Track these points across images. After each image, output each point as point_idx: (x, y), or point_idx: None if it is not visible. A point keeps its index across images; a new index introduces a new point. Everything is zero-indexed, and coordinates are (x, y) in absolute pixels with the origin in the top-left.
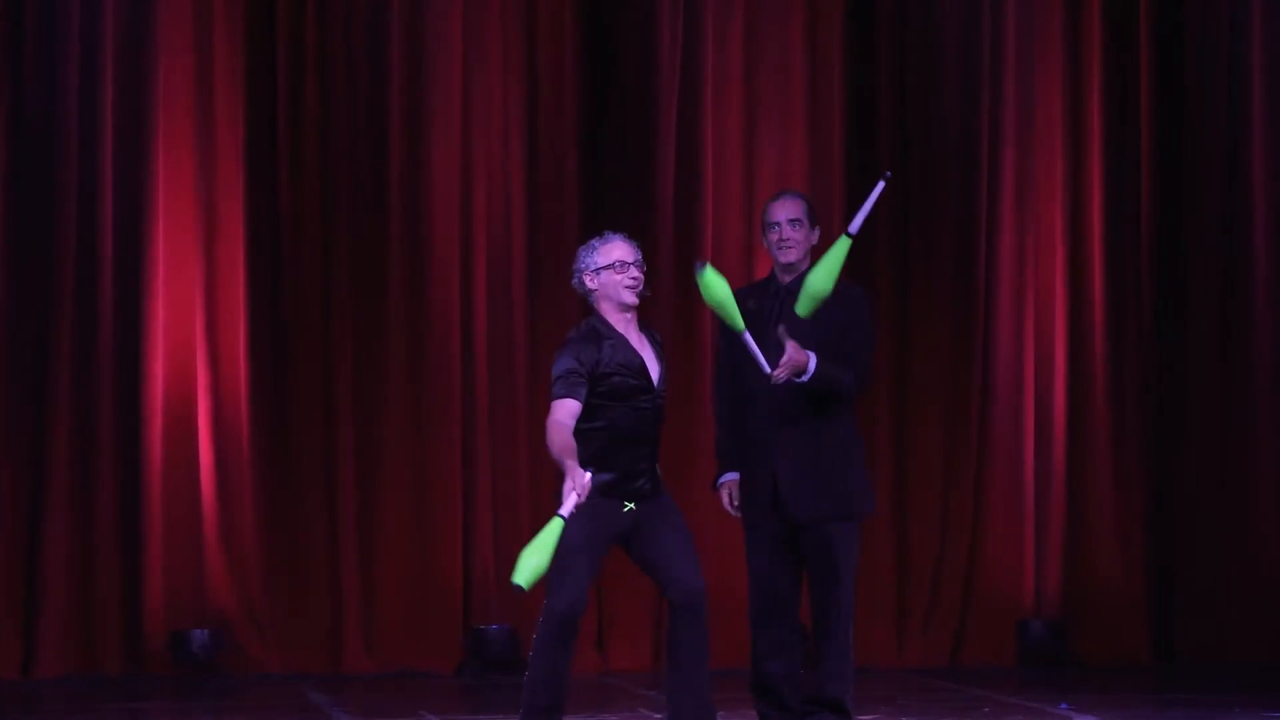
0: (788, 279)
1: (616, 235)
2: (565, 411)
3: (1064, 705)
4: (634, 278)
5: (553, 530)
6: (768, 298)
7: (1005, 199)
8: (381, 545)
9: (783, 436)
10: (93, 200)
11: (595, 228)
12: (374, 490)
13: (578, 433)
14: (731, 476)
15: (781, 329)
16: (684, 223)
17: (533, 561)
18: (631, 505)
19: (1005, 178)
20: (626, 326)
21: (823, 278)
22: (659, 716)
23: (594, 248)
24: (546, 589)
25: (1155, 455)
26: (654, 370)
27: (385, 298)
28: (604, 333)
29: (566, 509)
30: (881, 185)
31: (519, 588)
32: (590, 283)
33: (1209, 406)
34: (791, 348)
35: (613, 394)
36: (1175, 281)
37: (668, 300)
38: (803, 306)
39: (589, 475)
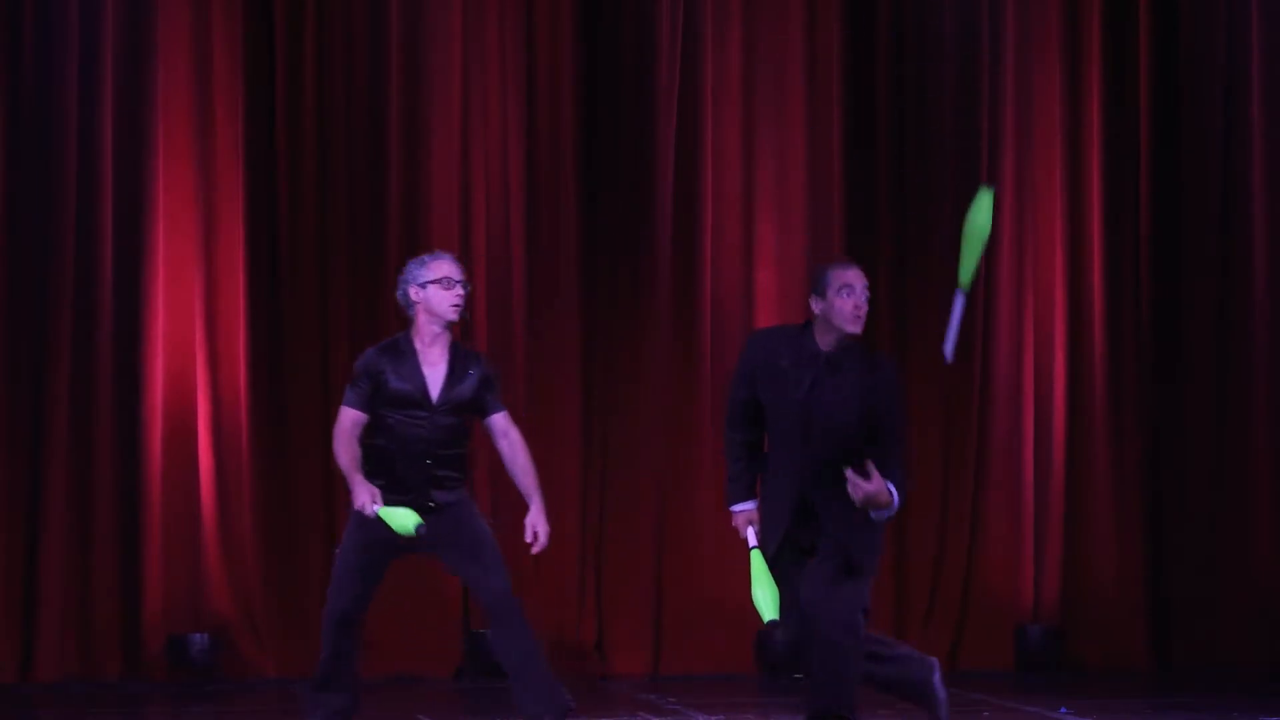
0: (829, 345)
1: (446, 254)
2: (348, 419)
3: (1064, 710)
4: (459, 296)
5: (757, 561)
6: (805, 361)
7: (1004, 200)
8: None
9: (814, 492)
10: (92, 204)
11: (594, 230)
12: None
13: (365, 443)
14: (748, 506)
15: (852, 476)
16: (683, 225)
17: (763, 595)
18: (419, 522)
19: (1004, 179)
20: (433, 342)
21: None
22: None
23: (424, 261)
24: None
25: (1154, 460)
26: (435, 389)
27: (384, 301)
28: (402, 348)
29: (752, 540)
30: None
31: (776, 622)
32: (414, 295)
33: (1207, 411)
34: (874, 484)
35: (388, 405)
36: (1174, 283)
37: (665, 310)
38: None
39: (374, 496)
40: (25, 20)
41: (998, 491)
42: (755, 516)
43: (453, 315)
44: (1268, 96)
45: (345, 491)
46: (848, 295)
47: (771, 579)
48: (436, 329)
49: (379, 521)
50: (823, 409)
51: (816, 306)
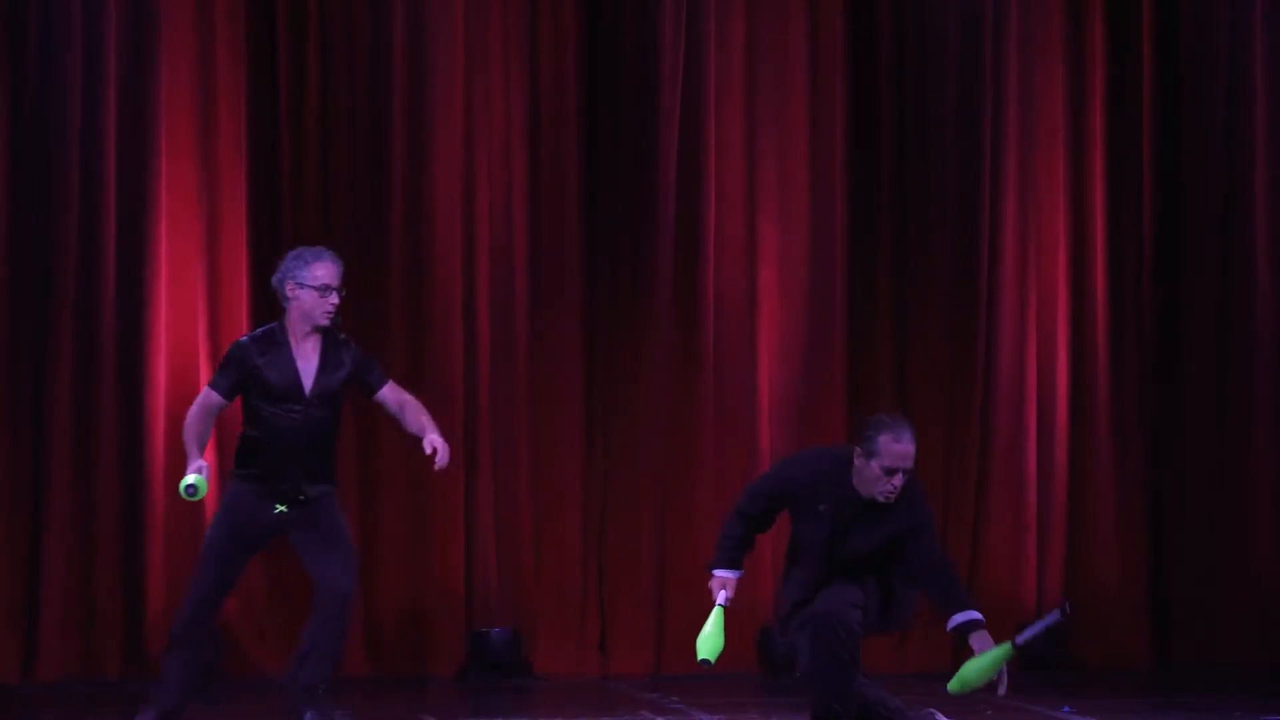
0: (866, 494)
1: (328, 255)
2: (207, 400)
3: (1066, 708)
4: (333, 304)
5: (717, 616)
6: (842, 507)
7: (1007, 200)
8: (383, 548)
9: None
10: (95, 203)
11: (596, 230)
12: (375, 493)
13: (240, 434)
14: (729, 575)
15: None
16: (685, 224)
17: (707, 641)
18: (283, 508)
19: (1007, 178)
20: (305, 337)
21: (979, 675)
22: (662, 719)
23: (305, 261)
24: (192, 574)
25: (1155, 460)
26: (308, 381)
27: (387, 300)
28: (277, 339)
29: (721, 599)
30: (1057, 615)
31: (707, 662)
32: (290, 291)
33: (1208, 411)
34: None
35: (261, 396)
36: (1176, 283)
37: (667, 309)
38: (954, 686)
39: (201, 469)
40: (29, 19)
41: (1000, 491)
42: (731, 583)
43: (324, 321)
44: (1270, 97)
45: (348, 488)
46: (889, 477)
47: (722, 634)
48: (308, 328)
49: (245, 509)
50: (849, 545)
51: (858, 460)
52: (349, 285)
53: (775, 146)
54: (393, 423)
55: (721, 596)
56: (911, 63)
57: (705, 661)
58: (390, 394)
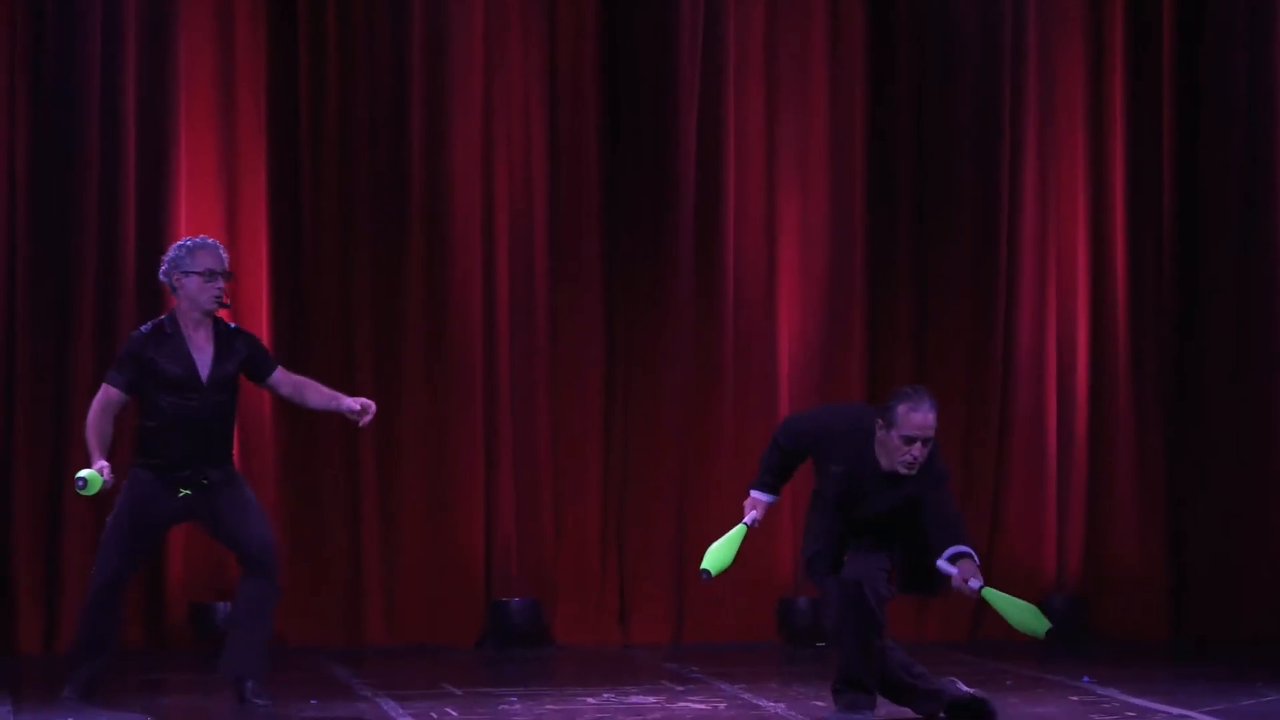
0: (888, 466)
1: (211, 243)
2: (106, 397)
3: (1086, 679)
4: (219, 288)
5: (739, 532)
6: (858, 472)
7: (1027, 173)
8: (403, 519)
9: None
10: (115, 185)
11: (616, 212)
12: (395, 463)
13: (139, 425)
14: (764, 498)
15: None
16: (705, 209)
17: (716, 553)
18: (187, 491)
19: (1027, 161)
20: (197, 326)
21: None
22: (682, 689)
23: (190, 250)
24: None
25: (1176, 433)
26: (204, 369)
27: (406, 277)
28: (168, 330)
29: (749, 519)
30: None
31: (707, 573)
32: (176, 281)
33: (1228, 384)
34: (966, 577)
35: (159, 387)
36: (1196, 255)
37: (686, 287)
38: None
39: (102, 468)
40: (48, 2)
41: (1021, 463)
42: (762, 506)
43: (212, 306)
44: None
45: (366, 457)
46: (907, 447)
47: (734, 552)
48: (198, 315)
49: (148, 496)
50: (864, 507)
51: (879, 431)
52: (370, 263)
53: (795, 122)
54: (290, 404)
55: (749, 516)
56: (930, 37)
57: (705, 573)
58: (283, 376)
